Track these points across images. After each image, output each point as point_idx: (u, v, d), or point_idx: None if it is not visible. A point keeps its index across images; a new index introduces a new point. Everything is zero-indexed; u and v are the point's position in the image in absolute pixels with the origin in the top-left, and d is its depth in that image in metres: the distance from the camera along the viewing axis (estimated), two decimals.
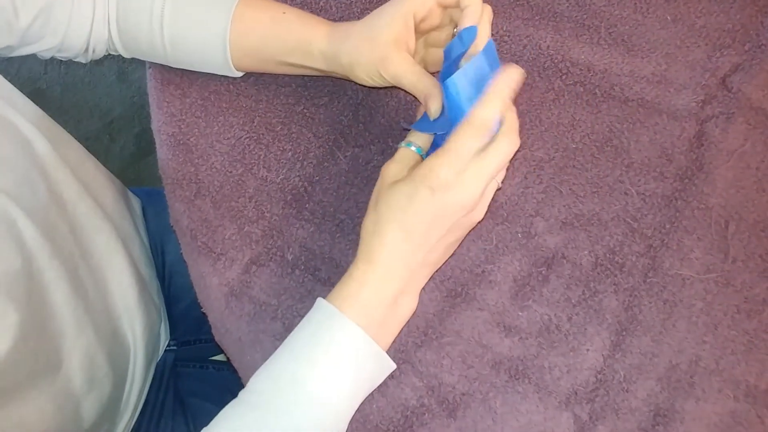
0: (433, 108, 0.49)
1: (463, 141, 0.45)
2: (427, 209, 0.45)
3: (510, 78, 0.46)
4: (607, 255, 0.57)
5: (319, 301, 0.48)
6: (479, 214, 0.48)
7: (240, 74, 0.61)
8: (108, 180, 0.69)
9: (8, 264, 0.47)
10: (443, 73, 0.52)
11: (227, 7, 0.56)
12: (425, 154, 0.51)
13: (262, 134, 0.62)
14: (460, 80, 0.46)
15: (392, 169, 0.48)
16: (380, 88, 0.57)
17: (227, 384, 0.78)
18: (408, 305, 0.48)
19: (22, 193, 0.50)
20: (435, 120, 0.50)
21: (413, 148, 0.50)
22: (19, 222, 0.49)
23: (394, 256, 0.46)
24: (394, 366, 0.48)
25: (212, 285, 0.58)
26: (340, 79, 0.63)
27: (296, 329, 0.48)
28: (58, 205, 0.55)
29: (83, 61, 0.64)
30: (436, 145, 0.51)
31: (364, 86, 0.58)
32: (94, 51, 0.61)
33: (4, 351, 0.45)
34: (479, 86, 0.47)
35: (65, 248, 0.54)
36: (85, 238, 0.59)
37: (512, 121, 0.46)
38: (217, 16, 0.56)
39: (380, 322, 0.47)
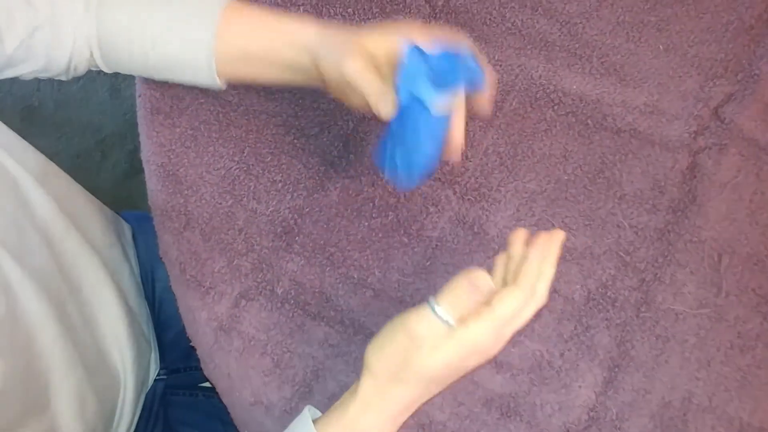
0: (384, 110, 0.47)
1: (509, 305, 0.43)
2: (462, 368, 0.45)
3: (561, 238, 0.47)
4: (600, 289, 0.56)
5: (308, 425, 0.46)
6: None
7: (222, 85, 0.59)
8: (97, 209, 0.68)
9: None
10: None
11: (213, 14, 0.55)
12: None
13: (252, 165, 0.62)
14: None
15: (428, 340, 0.44)
16: (342, 104, 0.54)
17: (217, 412, 0.77)
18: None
19: (8, 234, 0.49)
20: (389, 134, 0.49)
21: (450, 321, 0.44)
22: (5, 265, 0.48)
23: (407, 405, 0.45)
24: None
25: (201, 319, 0.58)
26: (330, 109, 0.63)
27: None
28: (44, 243, 0.54)
29: (64, 79, 0.63)
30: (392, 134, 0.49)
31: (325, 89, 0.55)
32: (75, 69, 0.60)
33: None
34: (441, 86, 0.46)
35: (52, 286, 0.54)
36: (73, 273, 0.58)
37: (550, 282, 0.46)
38: (203, 22, 0.55)
39: None
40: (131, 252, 0.75)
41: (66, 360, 0.53)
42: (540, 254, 0.46)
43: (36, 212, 0.54)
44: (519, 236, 0.48)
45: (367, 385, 0.45)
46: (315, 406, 0.48)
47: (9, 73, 0.58)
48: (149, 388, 0.73)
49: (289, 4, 0.66)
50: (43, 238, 0.54)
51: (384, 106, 0.48)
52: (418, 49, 0.46)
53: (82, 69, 0.61)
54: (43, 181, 0.56)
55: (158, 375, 0.75)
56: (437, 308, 0.44)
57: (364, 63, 0.49)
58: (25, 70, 0.58)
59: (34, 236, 0.53)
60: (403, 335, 0.44)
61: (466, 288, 0.44)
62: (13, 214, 0.51)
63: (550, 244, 0.47)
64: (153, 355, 0.74)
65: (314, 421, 0.46)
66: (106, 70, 0.62)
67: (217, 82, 0.58)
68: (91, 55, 0.59)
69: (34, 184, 0.54)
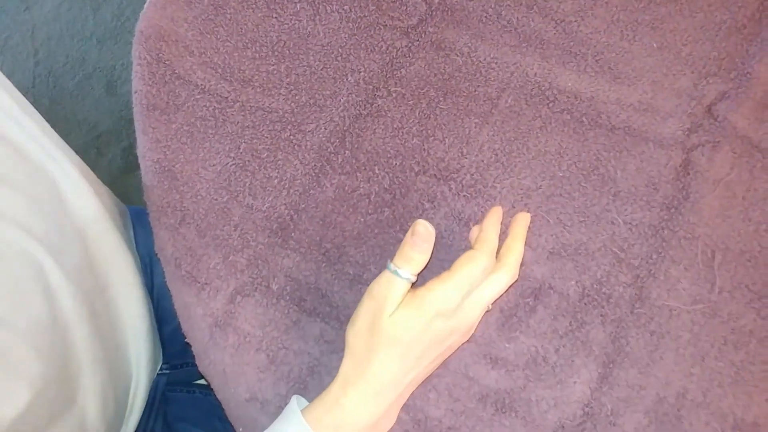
0: None
1: (470, 267, 0.46)
2: (429, 333, 0.46)
3: (527, 219, 0.53)
4: (594, 285, 0.57)
5: (296, 414, 0.46)
6: (469, 335, 0.50)
7: None
8: (115, 205, 0.68)
9: (36, 312, 0.47)
10: None
11: None
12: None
13: (248, 161, 0.62)
14: None
15: (389, 298, 0.46)
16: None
17: (214, 409, 0.77)
18: (388, 425, 0.49)
19: (49, 234, 0.49)
20: None
21: (411, 278, 0.47)
22: (46, 266, 0.48)
23: (386, 380, 0.46)
24: None
25: (196, 315, 0.58)
26: (327, 105, 0.63)
27: None
28: (80, 240, 0.55)
29: None
30: None
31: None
32: None
33: (25, 402, 0.45)
34: None
35: (85, 285, 0.54)
36: (102, 270, 0.58)
37: (519, 255, 0.50)
38: None
39: None
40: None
41: (93, 359, 0.54)
42: (494, 223, 0.50)
43: (74, 210, 0.54)
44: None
45: (346, 362, 0.47)
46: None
47: None
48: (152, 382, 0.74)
49: (285, 1, 0.67)
50: (79, 236, 0.54)
51: None
52: None
53: None
54: (86, 177, 0.56)
55: (161, 370, 0.75)
56: (390, 264, 0.47)
57: None
58: None
59: (72, 235, 0.53)
60: (368, 300, 0.46)
61: (408, 239, 0.46)
62: (54, 214, 0.51)
63: (515, 224, 0.52)
64: (159, 350, 0.74)
65: (302, 410, 0.46)
66: None
67: None
68: None
69: (76, 181, 0.55)
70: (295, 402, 0.47)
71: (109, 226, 0.59)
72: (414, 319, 0.45)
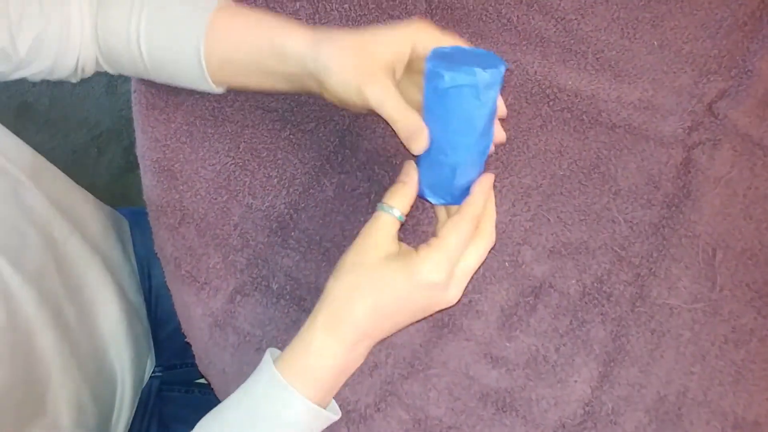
0: (419, 146, 0.47)
1: (457, 235, 0.45)
2: (419, 303, 0.45)
3: (491, 179, 0.48)
4: (595, 284, 0.56)
5: (269, 367, 0.46)
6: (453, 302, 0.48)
7: (221, 90, 0.58)
8: (96, 208, 0.68)
9: None
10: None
11: (202, 19, 0.53)
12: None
13: (248, 160, 0.62)
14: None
15: (377, 238, 0.46)
16: (342, 108, 0.54)
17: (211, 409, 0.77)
18: (357, 365, 0.48)
19: (8, 240, 0.49)
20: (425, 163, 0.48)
21: (396, 215, 0.47)
22: (5, 273, 0.48)
23: (361, 333, 0.46)
24: (338, 416, 0.48)
25: (196, 315, 0.58)
26: (326, 104, 0.63)
27: (245, 387, 0.47)
28: (47, 246, 0.54)
29: (73, 81, 0.61)
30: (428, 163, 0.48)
31: (329, 101, 0.53)
32: (83, 70, 0.59)
33: None
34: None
35: (52, 291, 0.53)
36: (74, 275, 0.57)
37: (493, 218, 0.48)
38: (192, 26, 0.53)
39: (331, 389, 0.47)
40: (130, 248, 0.74)
41: (63, 365, 0.53)
42: (483, 189, 0.47)
43: (38, 214, 0.54)
44: None
45: (321, 307, 0.46)
46: None
47: (18, 75, 0.56)
48: (145, 384, 0.73)
49: (285, 0, 0.66)
50: (45, 240, 0.54)
51: (417, 143, 0.46)
52: (440, 48, 0.46)
53: (89, 70, 0.59)
54: (41, 182, 0.55)
55: (153, 372, 0.75)
56: (379, 204, 0.47)
57: (385, 86, 0.47)
58: (34, 70, 0.55)
59: (34, 239, 0.52)
60: (356, 240, 0.46)
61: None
62: (13, 219, 0.50)
63: (486, 188, 0.48)
64: (150, 352, 0.74)
65: (274, 360, 0.46)
66: (110, 71, 0.59)
67: (213, 88, 0.56)
68: (97, 58, 0.58)
69: (34, 187, 0.54)
70: (269, 354, 0.47)
71: (72, 229, 0.58)
72: (403, 285, 0.44)
